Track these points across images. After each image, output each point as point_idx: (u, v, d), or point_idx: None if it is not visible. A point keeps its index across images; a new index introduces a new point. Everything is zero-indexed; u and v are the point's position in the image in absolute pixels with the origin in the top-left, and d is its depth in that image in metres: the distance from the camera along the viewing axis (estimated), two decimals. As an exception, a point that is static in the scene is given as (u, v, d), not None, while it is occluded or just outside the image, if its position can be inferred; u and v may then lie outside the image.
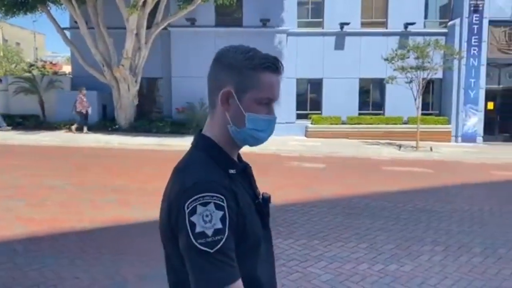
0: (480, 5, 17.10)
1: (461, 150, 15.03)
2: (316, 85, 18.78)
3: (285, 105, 18.36)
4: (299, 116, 18.79)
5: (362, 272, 4.21)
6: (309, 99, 19.07)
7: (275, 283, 1.26)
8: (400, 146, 15.01)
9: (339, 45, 18.33)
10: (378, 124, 18.09)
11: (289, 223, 5.74)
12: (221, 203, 1.03)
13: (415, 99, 14.66)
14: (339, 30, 18.09)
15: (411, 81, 14.46)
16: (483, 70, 17.44)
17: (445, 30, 18.20)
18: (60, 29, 17.15)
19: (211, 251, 1.00)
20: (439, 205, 6.93)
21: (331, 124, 17.99)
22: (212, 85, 1.20)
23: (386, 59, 14.59)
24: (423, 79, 14.19)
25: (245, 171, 1.22)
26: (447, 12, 18.50)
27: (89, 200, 6.69)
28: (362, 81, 18.55)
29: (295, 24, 18.42)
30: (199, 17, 17.49)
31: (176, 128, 16.64)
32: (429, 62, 13.80)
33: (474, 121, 17.57)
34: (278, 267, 3.27)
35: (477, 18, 17.17)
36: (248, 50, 1.18)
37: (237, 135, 1.17)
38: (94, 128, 16.25)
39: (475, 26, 17.21)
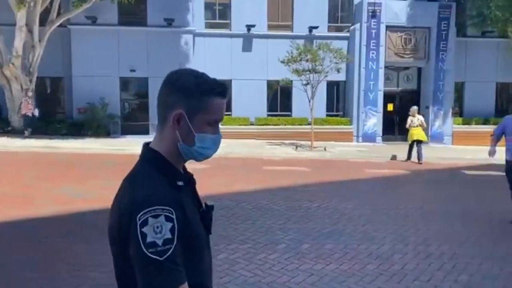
0: (378, 11, 17.97)
1: (354, 150, 15.70)
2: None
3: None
4: (208, 117, 18.77)
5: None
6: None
7: (211, 285, 1.35)
8: (297, 146, 15.41)
9: (247, 47, 18.56)
10: (285, 125, 18.51)
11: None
12: (171, 215, 1.11)
13: (309, 101, 15.09)
14: (246, 32, 18.31)
15: (307, 84, 14.90)
16: (381, 73, 18.32)
17: (347, 34, 18.95)
18: None
19: (161, 259, 1.09)
20: (282, 203, 7.14)
21: (240, 125, 18.17)
22: (163, 104, 1.27)
23: (282, 62, 14.92)
24: (317, 81, 14.65)
25: (189, 182, 1.30)
26: (350, 17, 19.28)
27: None
28: (270, 83, 18.88)
29: (202, 25, 18.42)
30: (101, 16, 17.01)
31: (75, 129, 16.09)
32: (321, 65, 14.29)
33: (374, 122, 18.42)
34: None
35: (375, 23, 18.03)
36: (199, 75, 1.27)
37: (187, 152, 1.26)
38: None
39: (373, 31, 18.06)
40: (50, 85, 18.40)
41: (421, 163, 12.68)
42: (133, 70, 17.32)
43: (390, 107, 19.38)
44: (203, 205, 1.32)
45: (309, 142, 15.83)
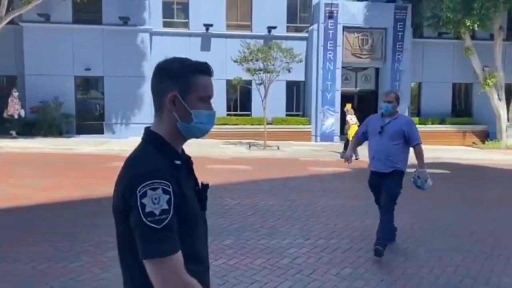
0: (334, 12, 18.14)
1: (309, 149, 15.79)
2: (183, 85, 18.78)
3: (152, 106, 18.18)
4: (167, 117, 18.67)
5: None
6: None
7: (208, 258, 1.49)
8: (250, 145, 15.43)
9: (205, 46, 18.51)
10: (244, 124, 18.52)
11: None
12: (168, 188, 1.23)
13: (262, 101, 15.12)
14: (205, 31, 18.26)
15: (261, 83, 14.94)
16: (338, 73, 18.50)
17: (306, 35, 19.09)
18: None
19: (158, 227, 1.21)
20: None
21: (198, 124, 18.08)
22: (157, 92, 1.40)
23: (235, 61, 14.92)
24: (269, 81, 14.70)
25: (187, 162, 1.43)
26: (309, 18, 19.42)
27: None
28: (229, 82, 18.84)
29: (160, 23, 18.31)
30: (55, 13, 16.74)
31: (27, 128, 15.76)
32: (273, 65, 14.34)
33: (331, 122, 18.59)
34: None
35: (332, 24, 18.20)
36: (184, 59, 1.42)
37: (186, 129, 1.39)
38: None
39: (330, 32, 18.23)
40: (3, 84, 18.01)
41: (357, 159, 13.01)
42: (88, 69, 17.09)
43: (348, 107, 19.53)
44: (200, 184, 1.45)
45: (270, 142, 15.81)
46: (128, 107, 17.77)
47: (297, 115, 19.66)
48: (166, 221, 1.22)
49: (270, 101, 17.24)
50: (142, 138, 1.41)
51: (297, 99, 19.83)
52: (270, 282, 4.10)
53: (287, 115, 19.43)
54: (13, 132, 14.92)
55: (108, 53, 17.29)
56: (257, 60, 14.27)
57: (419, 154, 4.93)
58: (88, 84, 17.89)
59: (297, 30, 19.56)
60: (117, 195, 1.31)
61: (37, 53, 16.70)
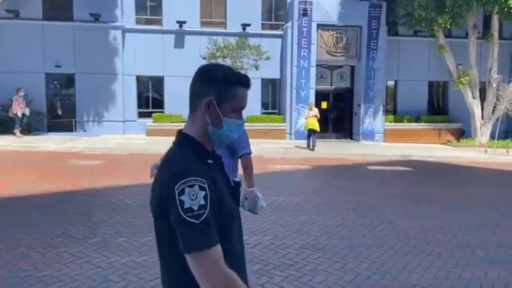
0: (309, 9, 18.08)
1: (279, 147, 15.73)
2: (157, 83, 18.69)
3: (126, 103, 18.10)
4: (142, 115, 18.57)
5: None
6: (152, 97, 18.94)
7: (244, 252, 1.56)
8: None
9: (179, 44, 18.40)
10: (218, 122, 18.41)
11: None
12: (204, 185, 1.29)
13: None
14: (178, 28, 18.15)
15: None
16: (313, 71, 18.45)
17: (281, 33, 19.02)
18: None
19: (197, 221, 1.26)
20: (140, 198, 7.05)
21: (172, 122, 17.98)
22: (195, 94, 1.48)
23: (204, 58, 14.84)
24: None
25: (218, 161, 1.50)
26: (284, 15, 19.35)
27: None
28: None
29: (133, 20, 18.18)
30: (24, 10, 16.57)
31: (-4, 126, 15.60)
32: (241, 62, 14.28)
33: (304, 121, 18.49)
34: None
35: (306, 22, 18.14)
36: (227, 68, 1.50)
37: (215, 134, 1.45)
38: None
39: (305, 29, 18.16)
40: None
41: (312, 150, 14.36)
42: (58, 66, 16.93)
43: (324, 105, 19.53)
44: (231, 182, 1.53)
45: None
46: (100, 105, 17.64)
47: (273, 113, 19.59)
48: (204, 215, 1.27)
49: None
50: (176, 139, 1.49)
51: (272, 97, 19.78)
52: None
53: (262, 113, 19.37)
54: (17, 131, 14.94)
55: (79, 50, 17.14)
56: (224, 57, 14.18)
57: (247, 168, 3.77)
58: (59, 81, 17.69)
59: (273, 27, 19.49)
60: (155, 196, 1.38)
61: (6, 50, 16.52)
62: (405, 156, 14.71)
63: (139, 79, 18.40)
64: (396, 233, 5.81)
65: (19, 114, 15.06)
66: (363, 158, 13.85)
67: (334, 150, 15.39)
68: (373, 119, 19.00)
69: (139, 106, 18.64)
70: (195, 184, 1.29)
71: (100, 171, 9.78)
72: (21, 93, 15.28)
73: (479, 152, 16.21)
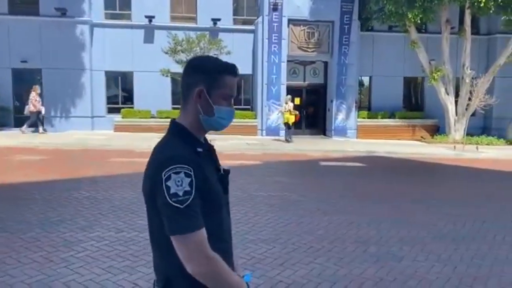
0: (279, 4, 17.87)
1: (243, 143, 15.56)
2: (126, 78, 18.54)
3: (94, 98, 17.95)
4: (111, 110, 18.43)
5: None
6: (121, 92, 18.79)
7: (231, 238, 1.62)
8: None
9: (149, 39, 18.21)
10: (188, 118, 18.25)
11: None
12: (189, 172, 1.35)
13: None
14: (148, 23, 17.98)
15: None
16: (284, 67, 18.25)
17: (252, 28, 18.83)
18: None
19: (182, 206, 1.33)
20: (69, 193, 6.93)
21: (140, 118, 17.85)
22: (186, 85, 1.53)
23: (166, 53, 14.67)
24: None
25: (209, 150, 1.56)
26: (256, 10, 19.16)
27: None
28: (176, 75, 18.58)
29: (102, 15, 18.01)
30: (-11, 4, 16.43)
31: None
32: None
33: (277, 116, 18.33)
34: None
35: (276, 17, 17.93)
36: (215, 59, 1.58)
37: (207, 122, 1.52)
38: None
39: (275, 24, 17.96)
40: None
41: (288, 141, 15.61)
42: (24, 61, 16.79)
43: (297, 101, 19.30)
44: (222, 170, 1.56)
45: (208, 136, 15.53)
46: (67, 100, 17.50)
47: (247, 109, 19.42)
48: (189, 201, 1.33)
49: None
50: (168, 129, 1.53)
51: (245, 93, 19.60)
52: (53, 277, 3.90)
53: (235, 108, 19.10)
54: (24, 128, 15.27)
55: (46, 45, 16.98)
56: (182, 52, 14.02)
57: None
58: (26, 77, 17.53)
59: (245, 22, 19.29)
60: (146, 180, 1.44)
61: (-29, 45, 16.39)
62: (370, 152, 14.54)
63: (108, 74, 18.23)
64: (299, 228, 5.65)
65: (35, 111, 15.29)
66: (324, 154, 13.69)
67: (300, 146, 15.21)
68: (345, 115, 18.81)
69: (109, 101, 18.49)
70: (181, 171, 1.34)
71: (36, 166, 9.61)
72: (38, 91, 15.51)
73: (448, 149, 16.01)
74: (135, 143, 13.92)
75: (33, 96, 15.35)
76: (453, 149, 15.82)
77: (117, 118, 17.79)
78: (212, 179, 1.46)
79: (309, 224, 5.82)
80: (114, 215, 5.84)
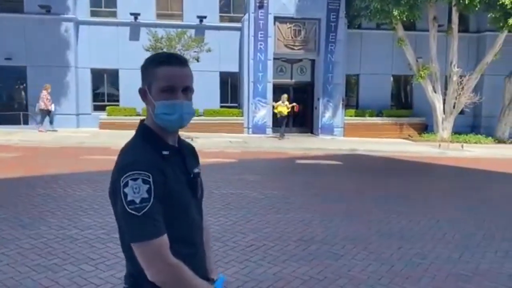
0: (265, 1, 17.78)
1: (226, 140, 15.46)
2: (112, 76, 18.49)
3: (80, 96, 17.94)
4: (97, 108, 18.41)
5: None
6: (107, 90, 18.76)
7: (203, 242, 1.57)
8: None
9: (134, 36, 18.16)
10: (174, 116, 18.20)
11: None
12: (147, 179, 1.30)
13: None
14: (134, 20, 17.93)
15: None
16: (270, 64, 18.16)
17: (239, 25, 18.74)
18: None
19: (139, 214, 1.29)
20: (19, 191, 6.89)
21: (126, 115, 17.80)
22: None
23: (147, 50, 14.62)
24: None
25: (179, 152, 1.49)
26: (242, 7, 19.07)
27: None
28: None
29: (87, 13, 17.98)
30: (-27, 1, 16.42)
31: None
32: (182, 55, 14.02)
33: (263, 113, 18.27)
34: None
35: (262, 14, 17.84)
36: (158, 54, 1.50)
37: (157, 120, 1.43)
38: None
39: (261, 22, 17.87)
40: None
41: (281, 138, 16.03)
42: (8, 58, 16.77)
43: (284, 97, 19.25)
44: (192, 173, 1.50)
45: (194, 134, 15.51)
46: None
47: (234, 107, 19.35)
48: (146, 208, 1.29)
49: (202, 92, 16.94)
50: (136, 130, 1.48)
51: (232, 90, 19.52)
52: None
53: (222, 106, 19.14)
54: (41, 127, 15.40)
55: (30, 43, 16.97)
56: (161, 49, 13.96)
57: None
58: (10, 74, 17.51)
59: (232, 20, 19.21)
60: (110, 184, 1.39)
61: (-45, 42, 16.38)
62: (352, 150, 14.46)
63: (94, 71, 18.21)
64: (246, 227, 5.58)
65: (45, 109, 15.40)
66: (305, 153, 13.61)
67: (283, 144, 15.14)
68: (332, 114, 18.71)
69: (95, 99, 18.47)
70: (138, 178, 1.30)
71: (4, 163, 9.55)
72: (49, 90, 15.57)
73: (434, 147, 15.90)
74: (114, 140, 13.81)
75: (45, 94, 15.43)
76: (438, 148, 15.73)
77: (102, 115, 17.76)
78: (176, 183, 1.41)
79: (258, 222, 5.76)
80: (62, 213, 5.79)
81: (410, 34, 18.58)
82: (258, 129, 18.26)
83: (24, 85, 17.41)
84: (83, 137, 14.59)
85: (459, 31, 17.92)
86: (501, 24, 16.39)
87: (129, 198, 1.30)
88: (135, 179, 1.30)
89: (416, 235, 5.48)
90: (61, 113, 17.52)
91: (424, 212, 6.58)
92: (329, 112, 18.69)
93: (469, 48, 20.05)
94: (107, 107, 17.96)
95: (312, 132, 19.50)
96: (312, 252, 4.77)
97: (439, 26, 18.08)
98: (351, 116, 19.27)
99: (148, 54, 14.34)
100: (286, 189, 7.92)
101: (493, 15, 16.41)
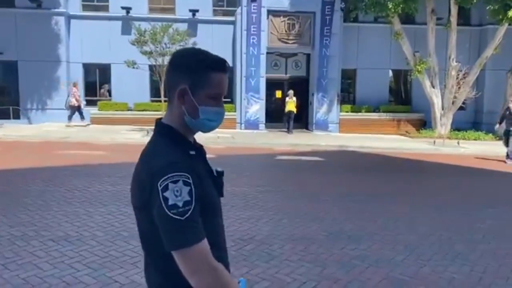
0: (258, -5, 17.45)
1: (214, 136, 15.20)
2: (104, 70, 18.37)
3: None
4: (89, 103, 18.30)
5: None
6: (99, 85, 18.66)
7: (226, 243, 1.51)
8: (148, 132, 14.94)
9: (126, 30, 17.99)
10: (165, 111, 18.00)
11: None
12: (188, 180, 1.24)
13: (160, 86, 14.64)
14: (125, 14, 17.78)
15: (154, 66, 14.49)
16: (263, 59, 17.84)
17: (232, 19, 18.45)
18: None
19: (183, 218, 1.22)
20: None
21: (117, 110, 17.69)
22: (168, 83, 1.40)
23: (133, 44, 14.45)
24: (160, 65, 14.23)
25: (200, 151, 1.44)
26: (236, 1, 18.76)
27: None
28: (153, 68, 18.34)
29: (79, 7, 17.88)
30: (-37, -4, 16.43)
31: None
32: (163, 48, 13.85)
33: (256, 109, 17.98)
34: None
35: (255, 7, 17.52)
36: (200, 52, 1.38)
37: (192, 124, 1.39)
38: None
39: (254, 15, 17.55)
40: None
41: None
42: (0, 53, 16.76)
43: (278, 94, 18.98)
44: (214, 171, 1.45)
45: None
46: (43, 92, 17.45)
47: (227, 102, 19.06)
48: (190, 212, 1.23)
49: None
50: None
51: (225, 85, 19.23)
52: None
53: (215, 102, 18.87)
54: (71, 122, 15.99)
55: (21, 37, 16.94)
56: (145, 43, 13.77)
57: None
58: (1, 69, 17.51)
59: (226, 13, 18.93)
60: (137, 190, 1.33)
61: None
62: (342, 146, 14.09)
63: (85, 66, 18.13)
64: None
65: (76, 105, 15.98)
66: (291, 148, 13.30)
67: (272, 140, 14.85)
68: (327, 109, 18.33)
69: (86, 93, 18.38)
70: (179, 180, 1.24)
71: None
72: (77, 86, 16.21)
73: (429, 144, 15.43)
74: (98, 135, 13.75)
75: (75, 91, 15.97)
76: (432, 144, 15.26)
77: (93, 110, 17.66)
78: (207, 183, 1.36)
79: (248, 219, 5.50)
80: (0, 208, 5.61)
81: (409, 28, 18.09)
82: (251, 124, 17.97)
83: (16, 79, 17.37)
84: (69, 132, 14.48)
85: (460, 24, 17.39)
86: (500, 17, 15.81)
87: (170, 202, 1.22)
88: (175, 182, 1.23)
89: (366, 236, 5.16)
90: (53, 108, 17.51)
91: (385, 211, 6.24)
92: (324, 108, 18.31)
93: (471, 42, 19.45)
94: (98, 102, 17.85)
95: (307, 128, 19.14)
96: (245, 252, 4.49)
97: (438, 19, 17.55)
98: (347, 111, 18.86)
99: (134, 48, 14.16)
100: (251, 186, 7.63)
101: (492, 7, 15.83)
